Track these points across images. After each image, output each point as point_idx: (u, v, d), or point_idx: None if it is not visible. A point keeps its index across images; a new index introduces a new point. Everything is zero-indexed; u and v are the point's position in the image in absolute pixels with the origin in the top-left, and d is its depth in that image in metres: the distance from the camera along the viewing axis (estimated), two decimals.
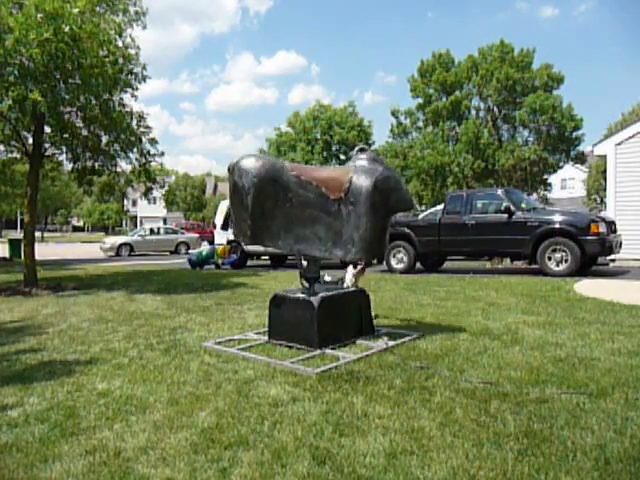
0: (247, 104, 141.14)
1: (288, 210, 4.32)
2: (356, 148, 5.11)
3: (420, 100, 31.25)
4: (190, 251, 20.60)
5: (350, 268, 5.80)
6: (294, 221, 4.36)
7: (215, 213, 16.46)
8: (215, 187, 73.11)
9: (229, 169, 4.38)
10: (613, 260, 11.33)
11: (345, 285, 5.60)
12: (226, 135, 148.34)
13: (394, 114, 31.91)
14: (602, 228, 9.02)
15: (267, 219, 4.27)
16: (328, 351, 4.06)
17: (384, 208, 4.51)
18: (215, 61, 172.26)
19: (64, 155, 10.06)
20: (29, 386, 3.43)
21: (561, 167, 32.22)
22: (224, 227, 14.41)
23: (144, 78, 9.42)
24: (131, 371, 3.73)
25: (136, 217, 64.96)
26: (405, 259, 10.91)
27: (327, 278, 5.85)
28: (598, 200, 37.26)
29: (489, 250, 10.50)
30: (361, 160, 4.72)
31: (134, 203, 64.78)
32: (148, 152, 10.03)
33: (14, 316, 6.34)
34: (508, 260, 11.57)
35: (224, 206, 15.44)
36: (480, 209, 10.34)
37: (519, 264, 11.33)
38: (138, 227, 40.54)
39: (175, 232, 24.74)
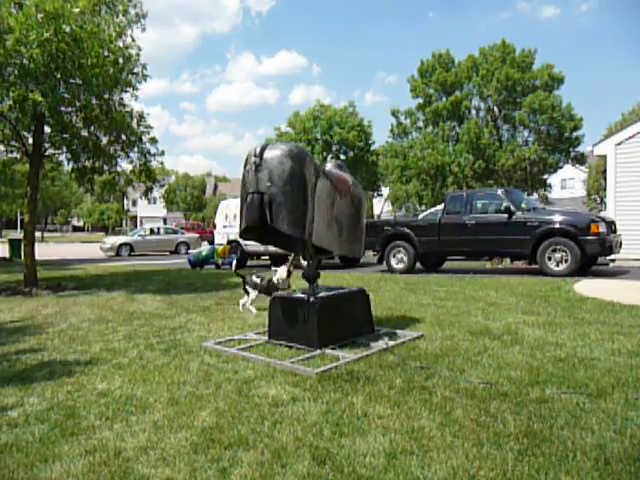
0: (248, 104, 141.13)
1: (320, 206, 4.31)
2: (330, 156, 5.55)
3: (420, 100, 31.25)
4: (190, 251, 20.62)
5: (283, 266, 6.10)
6: (324, 217, 4.39)
7: (215, 213, 16.44)
8: (215, 187, 73.12)
9: (284, 154, 3.99)
10: (613, 260, 11.33)
11: (275, 279, 5.99)
12: (226, 135, 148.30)
13: (394, 114, 31.91)
14: (602, 228, 9.02)
15: (313, 213, 4.18)
16: (328, 351, 4.06)
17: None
18: (216, 61, 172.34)
19: (64, 155, 10.06)
20: (29, 386, 3.43)
21: (561, 167, 32.23)
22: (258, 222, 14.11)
23: (144, 77, 9.42)
24: (131, 371, 3.73)
25: (136, 217, 64.98)
26: (405, 259, 10.91)
27: (256, 279, 6.13)
28: (598, 200, 37.28)
29: (489, 250, 10.50)
30: (342, 168, 4.96)
31: (134, 203, 64.82)
32: (148, 152, 10.03)
33: (14, 316, 6.34)
34: (508, 260, 11.57)
35: (224, 206, 15.44)
36: (480, 209, 10.34)
37: (519, 264, 11.33)
38: (138, 227, 40.55)
39: (175, 232, 24.74)
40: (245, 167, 4.14)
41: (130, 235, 24.40)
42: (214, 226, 18.30)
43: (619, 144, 12.21)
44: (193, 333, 5.03)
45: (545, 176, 30.33)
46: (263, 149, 4.06)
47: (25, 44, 7.42)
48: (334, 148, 34.32)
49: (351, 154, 34.30)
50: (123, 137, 9.56)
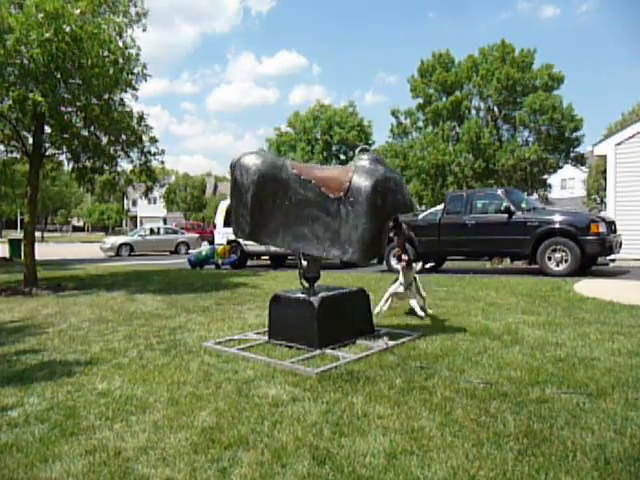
0: (248, 104, 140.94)
1: (287, 208, 4.33)
2: (358, 149, 5.03)
3: (420, 100, 31.29)
4: (190, 251, 20.62)
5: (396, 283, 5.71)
6: (293, 219, 4.36)
7: (215, 213, 16.47)
8: (215, 187, 73.12)
9: (231, 165, 4.46)
10: (613, 260, 11.32)
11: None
12: (227, 135, 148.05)
13: (394, 114, 31.97)
14: (602, 228, 9.02)
15: (266, 216, 4.30)
16: (328, 351, 4.06)
17: (383, 209, 4.37)
18: (216, 61, 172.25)
19: (64, 155, 10.06)
20: (29, 386, 3.43)
21: (561, 167, 32.25)
22: (226, 225, 14.31)
23: (144, 77, 9.41)
24: (131, 371, 3.74)
25: (136, 217, 64.96)
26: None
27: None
28: (598, 200, 37.27)
29: (489, 250, 10.49)
30: (362, 160, 4.63)
31: (134, 203, 64.80)
32: (148, 151, 10.03)
33: (14, 316, 6.34)
34: (508, 260, 11.56)
35: (224, 206, 15.48)
36: (480, 209, 10.34)
37: (519, 264, 11.33)
38: (138, 227, 40.55)
39: (175, 232, 24.74)
40: None
41: (130, 235, 24.41)
42: (214, 226, 18.30)
43: (619, 144, 12.21)
44: (193, 333, 5.03)
45: (545, 176, 30.37)
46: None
47: (25, 44, 7.42)
48: (334, 148, 34.34)
49: (351, 154, 34.30)
50: (123, 137, 9.56)
